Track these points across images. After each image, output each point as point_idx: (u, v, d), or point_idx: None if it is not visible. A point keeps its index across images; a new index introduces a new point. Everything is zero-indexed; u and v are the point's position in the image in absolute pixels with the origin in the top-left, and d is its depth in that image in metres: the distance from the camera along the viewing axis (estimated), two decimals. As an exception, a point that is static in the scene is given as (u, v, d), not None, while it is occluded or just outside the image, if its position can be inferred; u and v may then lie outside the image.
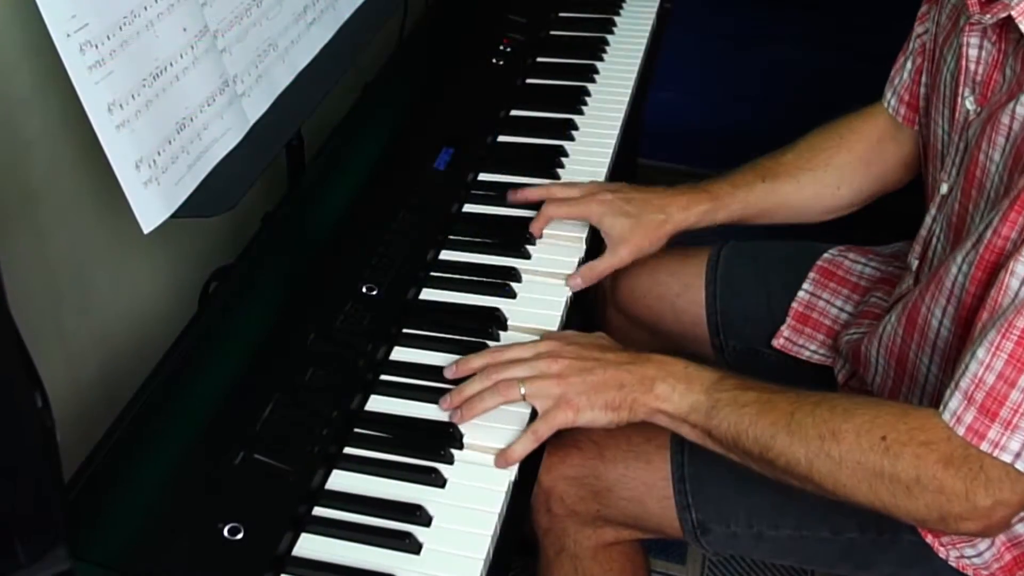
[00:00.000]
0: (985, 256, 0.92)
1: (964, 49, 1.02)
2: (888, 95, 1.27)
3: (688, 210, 1.23)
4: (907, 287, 1.14)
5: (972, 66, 1.02)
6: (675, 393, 0.99)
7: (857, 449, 0.90)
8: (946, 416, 0.89)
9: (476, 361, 1.01)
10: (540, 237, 1.21)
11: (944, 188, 1.07)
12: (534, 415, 0.99)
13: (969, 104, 1.02)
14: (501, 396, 0.98)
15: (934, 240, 1.09)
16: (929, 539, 1.08)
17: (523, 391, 0.98)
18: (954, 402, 0.89)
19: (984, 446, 0.87)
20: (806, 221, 1.31)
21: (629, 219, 1.20)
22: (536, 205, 1.23)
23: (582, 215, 1.21)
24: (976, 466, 0.87)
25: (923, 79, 1.19)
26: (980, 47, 1.01)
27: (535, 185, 1.26)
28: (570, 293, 1.15)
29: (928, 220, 1.11)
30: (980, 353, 0.88)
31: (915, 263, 1.13)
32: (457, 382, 1.01)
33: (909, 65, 1.23)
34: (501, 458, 0.95)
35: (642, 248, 1.21)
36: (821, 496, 1.07)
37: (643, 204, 1.22)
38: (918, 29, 1.22)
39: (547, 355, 1.01)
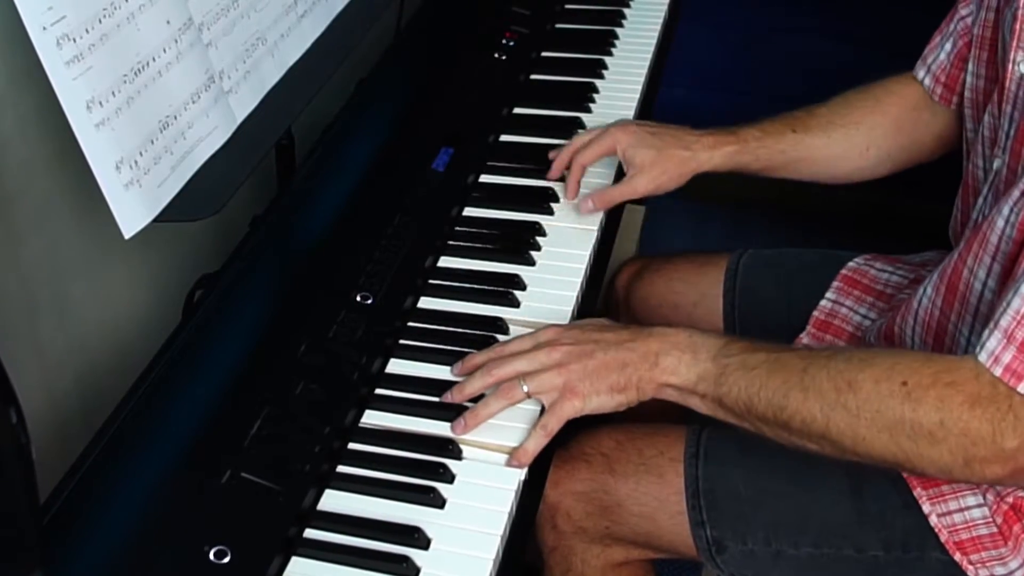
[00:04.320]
0: None
1: (1020, 12, 1.01)
2: (921, 72, 1.27)
3: (714, 150, 1.25)
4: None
5: None
6: (681, 364, 0.97)
7: (876, 397, 0.88)
8: (983, 356, 0.86)
9: (479, 357, 1.01)
10: (574, 195, 1.25)
11: (997, 163, 1.05)
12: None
13: (1022, 68, 1.01)
14: (504, 399, 0.98)
15: (977, 216, 1.08)
16: (957, 557, 1.05)
17: (525, 388, 0.98)
18: (992, 341, 0.86)
19: (1022, 387, 0.84)
20: (831, 181, 1.32)
21: (652, 150, 1.22)
22: (542, 205, 1.24)
23: (608, 148, 1.24)
24: (1004, 406, 0.85)
25: (971, 68, 1.18)
26: None
27: (540, 187, 1.27)
28: (576, 303, 1.13)
29: (980, 202, 1.09)
30: (1023, 289, 0.86)
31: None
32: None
33: (948, 46, 1.23)
34: (514, 458, 0.94)
35: (661, 183, 1.23)
36: (840, 511, 1.04)
37: (669, 138, 1.24)
38: (962, 11, 1.21)
39: (546, 345, 1.00)
